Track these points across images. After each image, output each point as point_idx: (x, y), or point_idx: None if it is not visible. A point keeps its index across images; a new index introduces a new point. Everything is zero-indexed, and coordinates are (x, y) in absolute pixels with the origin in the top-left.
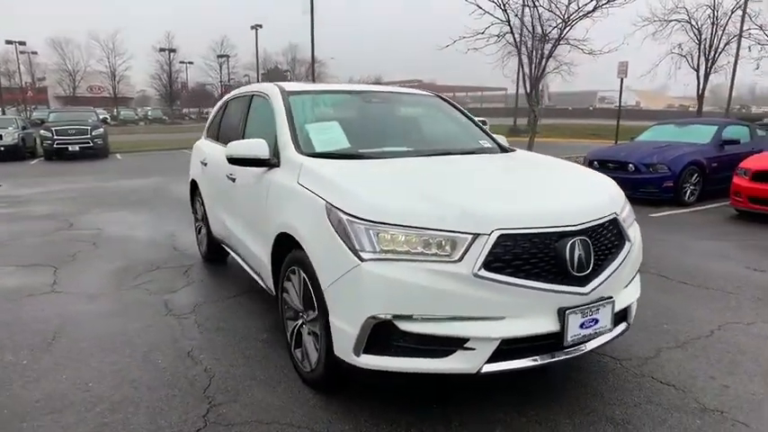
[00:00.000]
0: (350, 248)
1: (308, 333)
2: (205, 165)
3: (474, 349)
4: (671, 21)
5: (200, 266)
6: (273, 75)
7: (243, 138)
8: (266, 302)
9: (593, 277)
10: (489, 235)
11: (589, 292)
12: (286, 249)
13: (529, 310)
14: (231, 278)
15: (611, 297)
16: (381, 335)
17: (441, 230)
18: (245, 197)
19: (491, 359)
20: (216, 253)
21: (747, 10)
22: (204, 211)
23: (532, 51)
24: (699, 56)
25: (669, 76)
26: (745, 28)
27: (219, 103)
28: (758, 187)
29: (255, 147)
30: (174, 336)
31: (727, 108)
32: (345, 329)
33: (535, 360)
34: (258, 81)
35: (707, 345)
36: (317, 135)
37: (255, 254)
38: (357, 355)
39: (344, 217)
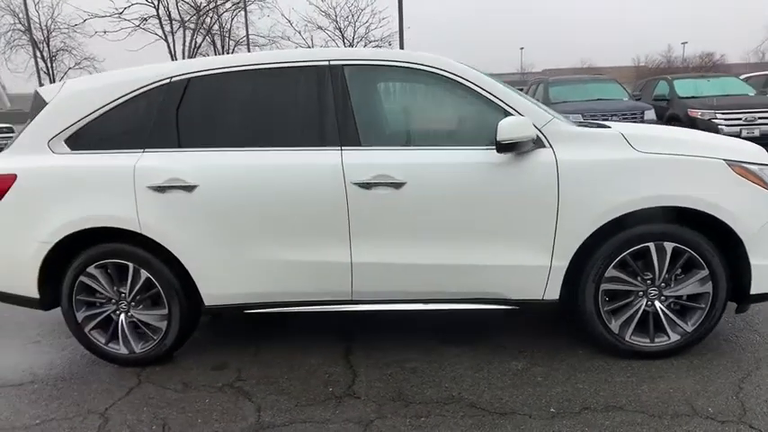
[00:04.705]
0: None
1: (668, 304)
2: (190, 190)
3: None
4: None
5: (164, 375)
6: None
7: (357, 133)
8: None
9: None
10: None
11: None
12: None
13: None
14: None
15: None
16: None
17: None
18: (460, 200)
19: None
20: (180, 342)
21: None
22: (169, 270)
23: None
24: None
25: None
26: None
27: (143, 90)
28: None
29: (529, 126)
30: None
31: None
32: None
33: None
34: None
35: None
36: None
37: (503, 265)
38: None
39: (755, 167)
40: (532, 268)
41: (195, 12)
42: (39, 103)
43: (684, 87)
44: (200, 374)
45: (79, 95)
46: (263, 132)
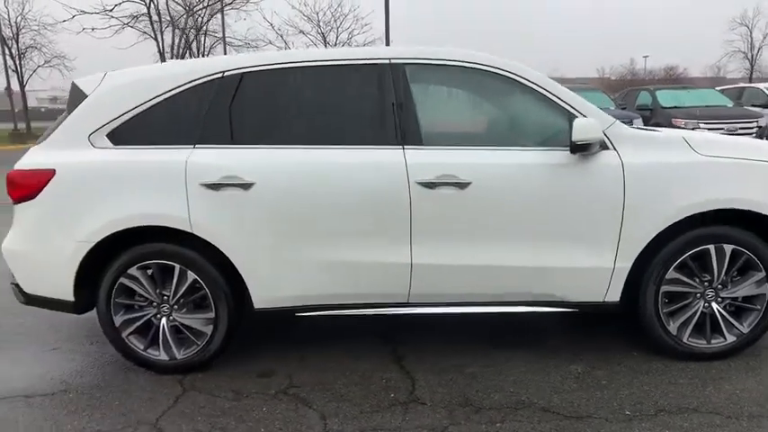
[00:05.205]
0: None
1: (724, 305)
2: (246, 188)
3: None
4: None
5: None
6: None
7: (419, 133)
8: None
9: None
10: None
11: None
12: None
13: None
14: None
15: None
16: None
17: None
18: (526, 201)
19: None
20: (224, 347)
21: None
22: (218, 271)
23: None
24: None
25: None
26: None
27: (192, 84)
28: None
29: (598, 128)
30: None
31: None
32: None
33: None
34: None
35: None
36: None
37: (567, 267)
38: None
39: None
40: (596, 270)
41: (185, 11)
42: (77, 96)
43: (666, 98)
44: (248, 381)
45: (123, 88)
46: (320, 130)
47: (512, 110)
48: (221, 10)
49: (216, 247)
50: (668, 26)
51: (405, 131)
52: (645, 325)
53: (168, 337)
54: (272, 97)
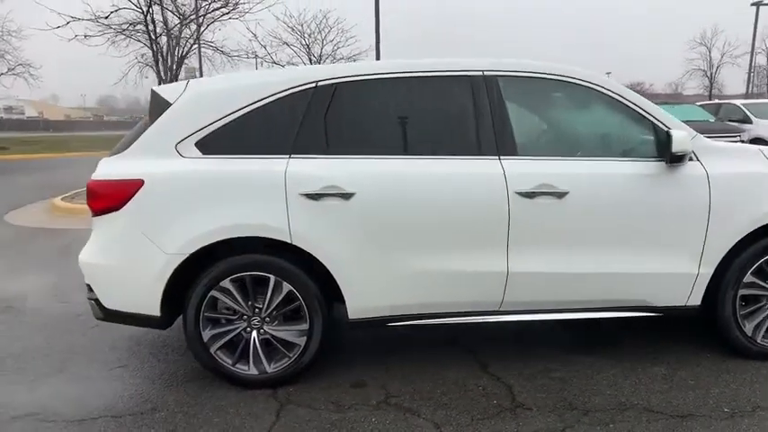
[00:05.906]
0: None
1: None
2: (347, 198)
3: None
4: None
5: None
6: None
7: (514, 143)
8: None
9: None
10: None
11: None
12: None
13: None
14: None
15: None
16: None
17: None
18: (621, 210)
19: None
20: (320, 352)
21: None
22: (314, 282)
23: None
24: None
25: (135, 84)
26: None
27: (285, 94)
28: None
29: (689, 140)
30: None
31: None
32: None
33: None
34: None
35: None
36: None
37: (655, 272)
38: None
39: None
40: (681, 275)
41: (180, 21)
42: (160, 104)
43: None
44: (344, 393)
45: (211, 96)
46: (415, 140)
47: (601, 122)
48: (196, 20)
49: (312, 258)
50: (626, 44)
51: (500, 142)
52: (722, 326)
53: (259, 350)
54: (367, 107)
